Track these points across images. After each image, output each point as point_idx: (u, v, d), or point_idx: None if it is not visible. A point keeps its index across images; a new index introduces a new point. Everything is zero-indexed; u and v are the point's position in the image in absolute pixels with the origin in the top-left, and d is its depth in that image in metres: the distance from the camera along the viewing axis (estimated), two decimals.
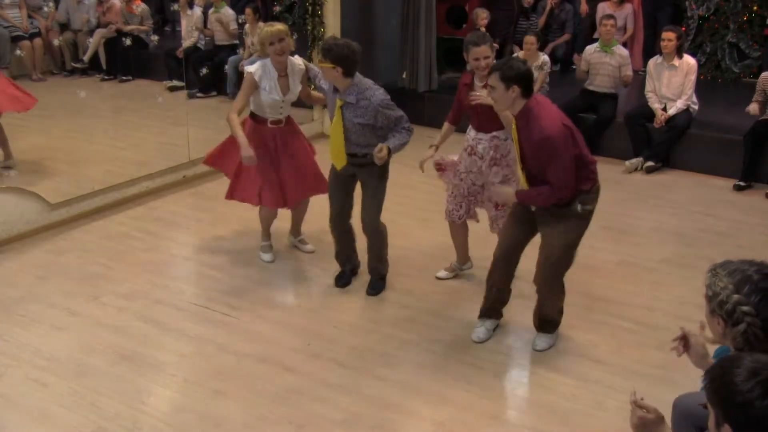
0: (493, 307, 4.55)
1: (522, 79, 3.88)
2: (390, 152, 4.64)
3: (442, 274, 5.28)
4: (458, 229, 5.12)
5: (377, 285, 5.11)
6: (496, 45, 8.95)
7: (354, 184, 5.01)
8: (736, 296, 2.37)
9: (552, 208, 4.05)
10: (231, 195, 5.42)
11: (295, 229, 5.70)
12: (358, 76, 4.77)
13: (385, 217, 4.98)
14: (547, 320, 4.42)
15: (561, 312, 4.45)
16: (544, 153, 3.86)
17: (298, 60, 5.18)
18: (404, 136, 4.74)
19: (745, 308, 2.36)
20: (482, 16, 8.97)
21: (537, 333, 4.47)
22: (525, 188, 4.10)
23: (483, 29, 8.87)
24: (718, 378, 2.00)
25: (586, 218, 4.11)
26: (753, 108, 6.91)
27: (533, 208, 4.18)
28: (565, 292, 4.40)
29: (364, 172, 4.87)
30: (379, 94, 4.71)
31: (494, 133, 4.76)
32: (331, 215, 5.06)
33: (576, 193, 3.99)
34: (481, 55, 4.64)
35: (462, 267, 5.29)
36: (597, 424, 3.79)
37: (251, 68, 5.00)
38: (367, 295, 5.04)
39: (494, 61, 4.44)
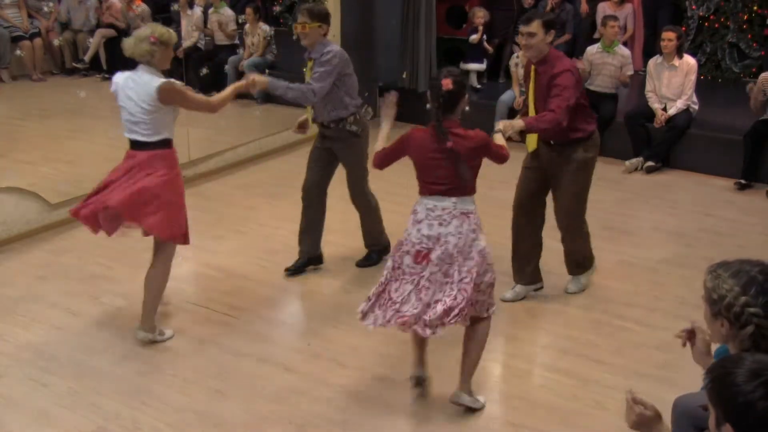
0: (520, 268, 4.90)
1: (555, 26, 4.52)
2: (268, 86, 4.68)
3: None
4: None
5: (368, 257, 5.36)
6: (490, 47, 9.04)
7: (332, 159, 5.10)
8: (743, 298, 2.36)
9: (558, 150, 4.61)
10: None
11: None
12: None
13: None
14: (576, 263, 4.97)
15: (589, 256, 5.00)
16: (557, 86, 4.32)
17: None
18: (298, 85, 4.74)
19: (752, 310, 2.36)
20: (479, 15, 8.96)
21: (570, 278, 5.02)
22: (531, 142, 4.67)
23: (480, 28, 8.87)
24: (720, 378, 2.00)
25: (588, 165, 4.66)
26: (752, 102, 6.90)
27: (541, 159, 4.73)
28: (589, 235, 4.91)
29: (338, 147, 4.97)
30: (335, 49, 4.79)
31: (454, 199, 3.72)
32: (303, 185, 5.17)
33: (578, 132, 4.53)
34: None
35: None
36: (597, 425, 3.79)
37: (162, 80, 4.24)
38: (355, 266, 5.31)
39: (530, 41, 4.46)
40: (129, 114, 4.22)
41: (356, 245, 5.39)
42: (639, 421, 2.41)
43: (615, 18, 7.94)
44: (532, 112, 4.57)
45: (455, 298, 3.56)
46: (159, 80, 4.17)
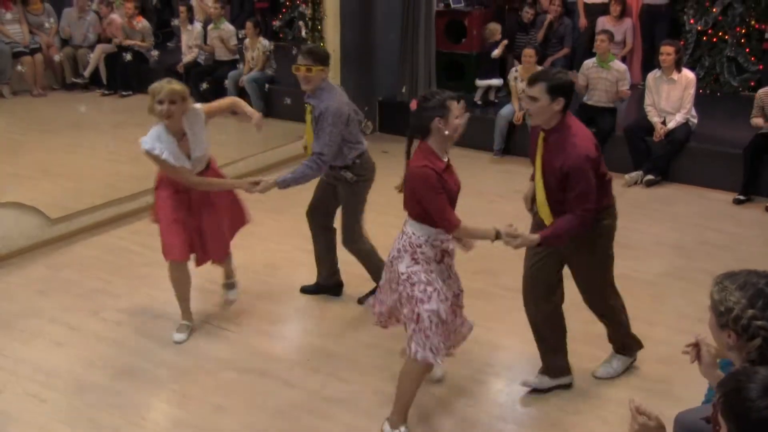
0: (546, 360, 4.16)
1: (568, 92, 3.66)
2: (278, 186, 4.48)
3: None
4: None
5: (367, 296, 5.05)
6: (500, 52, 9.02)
7: (334, 190, 4.89)
8: (751, 311, 2.36)
9: (580, 238, 3.78)
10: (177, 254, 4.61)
11: (227, 274, 5.20)
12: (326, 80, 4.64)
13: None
14: (619, 343, 4.34)
15: (627, 333, 4.29)
16: (575, 174, 3.60)
17: (195, 107, 4.55)
18: (304, 168, 4.50)
19: (760, 323, 2.36)
20: (497, 30, 8.94)
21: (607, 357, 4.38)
22: (542, 214, 3.83)
23: (502, 43, 8.84)
24: (733, 392, 1.99)
25: (608, 235, 3.94)
26: (758, 122, 6.93)
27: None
28: (624, 309, 4.28)
29: (340, 187, 4.80)
30: (330, 103, 4.49)
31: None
32: (308, 207, 5.04)
33: (598, 211, 3.79)
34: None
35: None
36: None
37: (146, 146, 4.36)
38: (357, 303, 5.09)
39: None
40: None
41: (353, 259, 5.38)
42: (642, 431, 2.40)
43: (606, 32, 7.97)
44: (539, 181, 3.79)
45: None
46: (143, 145, 4.40)
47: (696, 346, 2.74)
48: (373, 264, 4.95)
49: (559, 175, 3.64)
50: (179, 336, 4.67)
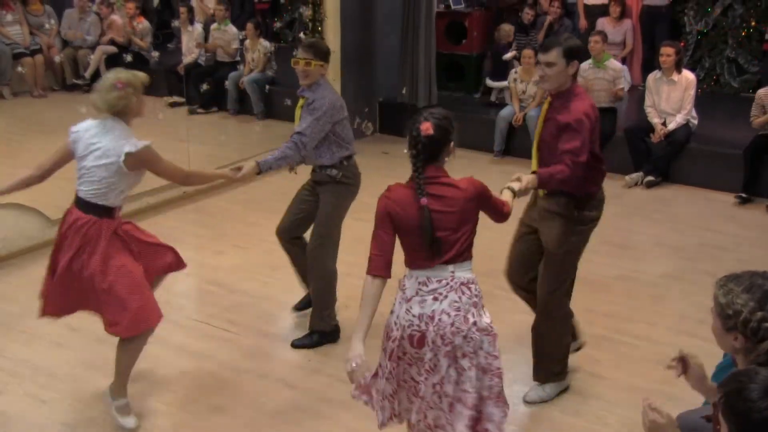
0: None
1: (581, 56, 3.82)
2: (260, 168, 4.19)
3: None
4: None
5: (308, 336, 4.64)
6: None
7: (313, 204, 4.59)
8: (760, 313, 2.36)
9: (554, 208, 3.85)
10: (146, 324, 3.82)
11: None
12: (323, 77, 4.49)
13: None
14: (544, 361, 4.07)
15: (564, 356, 4.08)
16: (570, 130, 3.62)
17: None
18: (284, 149, 4.28)
19: None
20: (509, 32, 8.96)
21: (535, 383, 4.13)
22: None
23: (514, 45, 8.86)
24: (734, 393, 1.99)
25: (586, 224, 3.91)
26: (760, 121, 6.94)
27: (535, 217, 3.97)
28: (571, 326, 4.11)
29: (322, 191, 4.54)
30: (328, 96, 4.35)
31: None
32: (280, 227, 4.73)
33: (581, 191, 3.81)
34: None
35: None
36: None
37: (143, 143, 3.73)
38: (291, 345, 4.67)
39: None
40: None
41: (356, 260, 5.38)
42: (652, 428, 2.41)
43: (599, 33, 7.99)
44: (534, 150, 3.92)
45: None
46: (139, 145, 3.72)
47: (681, 360, 2.72)
48: (322, 295, 4.60)
49: (556, 130, 3.70)
50: (130, 420, 3.88)
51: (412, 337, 3.01)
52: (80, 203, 3.77)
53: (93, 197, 3.71)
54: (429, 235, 2.97)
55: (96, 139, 3.72)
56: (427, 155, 3.02)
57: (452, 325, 2.97)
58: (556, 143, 3.69)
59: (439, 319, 2.97)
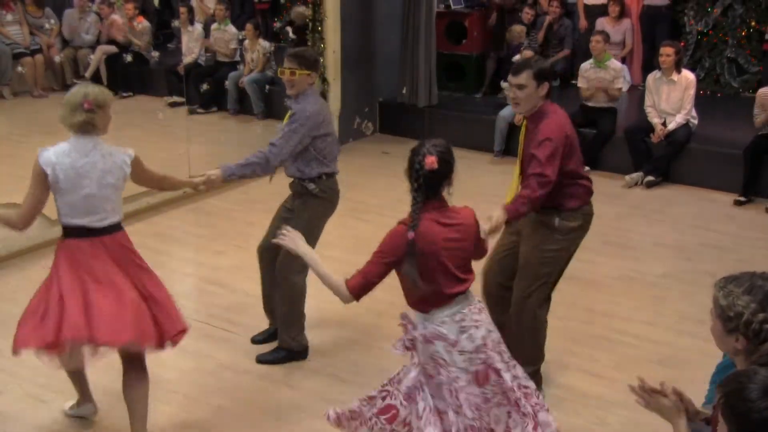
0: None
1: (550, 77, 3.85)
2: (223, 174, 4.08)
3: None
4: None
5: (275, 352, 4.49)
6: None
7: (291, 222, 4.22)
8: (762, 315, 2.35)
9: (533, 216, 3.84)
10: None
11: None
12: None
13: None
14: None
15: (535, 370, 3.97)
16: (541, 141, 3.67)
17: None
18: (251, 157, 4.11)
19: None
20: (520, 32, 8.94)
21: None
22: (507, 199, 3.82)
23: (527, 51, 8.87)
24: (734, 393, 2.00)
25: (565, 234, 3.88)
26: (760, 120, 6.94)
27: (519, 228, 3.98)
28: (542, 346, 4.05)
29: (297, 205, 4.37)
30: (310, 109, 4.18)
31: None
32: (261, 244, 4.58)
33: (560, 206, 3.84)
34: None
35: None
36: None
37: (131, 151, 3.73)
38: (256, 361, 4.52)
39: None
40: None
41: (356, 260, 5.38)
42: (656, 407, 2.56)
43: (601, 32, 8.00)
44: (517, 167, 3.97)
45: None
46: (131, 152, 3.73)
47: (654, 391, 2.66)
48: (290, 312, 4.44)
49: (530, 153, 3.74)
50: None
51: (477, 374, 3.07)
52: (98, 232, 3.79)
53: (107, 219, 3.79)
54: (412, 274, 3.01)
55: (82, 162, 3.68)
56: (430, 189, 3.00)
57: (499, 342, 3.14)
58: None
59: (491, 340, 3.10)
